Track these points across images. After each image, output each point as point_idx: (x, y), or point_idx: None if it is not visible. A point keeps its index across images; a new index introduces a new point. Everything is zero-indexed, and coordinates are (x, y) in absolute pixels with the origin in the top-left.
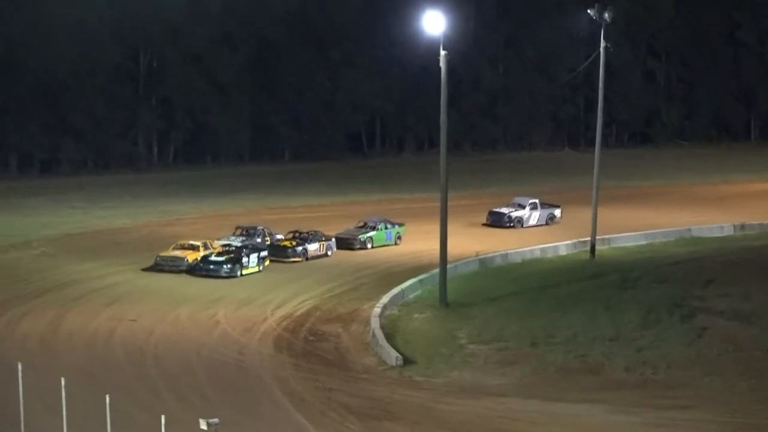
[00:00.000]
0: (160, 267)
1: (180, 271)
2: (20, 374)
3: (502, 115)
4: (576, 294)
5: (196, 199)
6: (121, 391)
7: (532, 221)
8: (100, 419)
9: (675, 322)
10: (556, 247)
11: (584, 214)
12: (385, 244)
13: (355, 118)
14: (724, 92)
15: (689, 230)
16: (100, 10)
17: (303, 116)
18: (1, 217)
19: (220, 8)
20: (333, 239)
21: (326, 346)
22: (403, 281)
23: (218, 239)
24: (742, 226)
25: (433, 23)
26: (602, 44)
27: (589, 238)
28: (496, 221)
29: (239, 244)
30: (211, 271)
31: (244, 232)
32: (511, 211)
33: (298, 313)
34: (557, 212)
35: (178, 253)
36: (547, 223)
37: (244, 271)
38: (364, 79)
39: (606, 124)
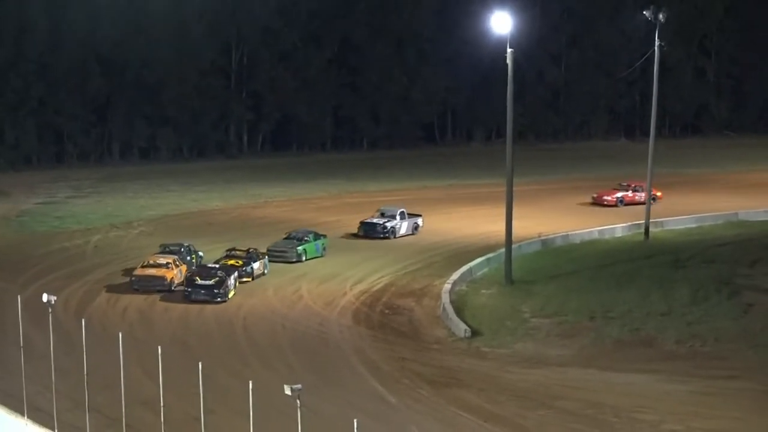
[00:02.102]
0: (136, 288)
1: (160, 291)
2: (121, 343)
3: (563, 108)
4: (631, 272)
5: (282, 184)
6: (213, 359)
7: (402, 231)
8: (194, 384)
9: (722, 298)
10: (613, 229)
11: None
12: (315, 255)
13: (428, 111)
14: None
15: (736, 214)
16: (197, 9)
17: (381, 109)
18: (105, 199)
19: (308, 10)
20: (265, 257)
21: (400, 319)
22: (472, 260)
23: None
24: None
25: (501, 23)
26: (657, 43)
27: (643, 221)
28: (369, 232)
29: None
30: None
31: (167, 250)
32: (384, 222)
33: (375, 288)
34: (420, 221)
35: (153, 271)
36: (413, 233)
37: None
38: (437, 75)
39: (659, 117)
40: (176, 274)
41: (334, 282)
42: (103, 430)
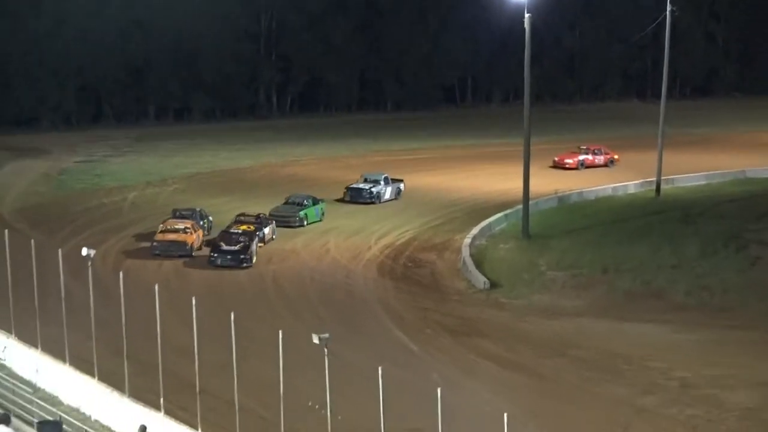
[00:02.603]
0: (157, 253)
1: (182, 256)
2: (157, 294)
3: (578, 71)
4: (642, 228)
5: (310, 144)
6: (245, 309)
7: (387, 195)
8: (226, 333)
9: (730, 252)
10: (625, 186)
11: (650, 157)
12: (315, 220)
13: (449, 74)
14: None
15: (744, 172)
16: None
17: (404, 72)
18: (141, 158)
19: None
20: (273, 222)
21: (423, 272)
22: (490, 216)
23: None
24: None
25: None
26: (668, 8)
27: (654, 179)
28: (356, 197)
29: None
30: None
31: (178, 214)
32: (370, 187)
33: (399, 242)
34: (402, 186)
35: (174, 236)
36: (396, 197)
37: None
38: (458, 39)
39: (670, 79)
40: (195, 239)
41: (360, 237)
42: (140, 376)
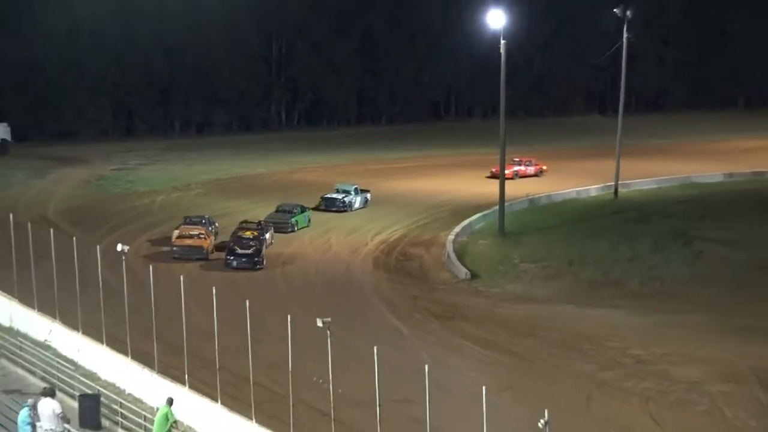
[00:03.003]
0: (176, 257)
1: (199, 260)
2: (182, 284)
3: (546, 89)
4: (602, 226)
5: (315, 153)
6: (258, 297)
7: (357, 204)
8: (242, 318)
9: (678, 247)
10: (587, 189)
11: (609, 165)
12: (304, 226)
13: (436, 92)
14: (717, 73)
15: (689, 177)
16: (243, 8)
17: (396, 90)
18: (168, 166)
19: (335, 6)
20: (272, 227)
21: (412, 264)
22: (471, 216)
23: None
24: (731, 174)
25: (496, 19)
26: (625, 35)
27: (613, 183)
28: (330, 205)
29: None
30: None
31: (189, 221)
32: (343, 197)
33: (392, 239)
34: (368, 195)
35: (191, 242)
36: (364, 206)
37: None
38: (443, 62)
39: (627, 96)
40: (210, 243)
41: (357, 234)
42: (168, 355)
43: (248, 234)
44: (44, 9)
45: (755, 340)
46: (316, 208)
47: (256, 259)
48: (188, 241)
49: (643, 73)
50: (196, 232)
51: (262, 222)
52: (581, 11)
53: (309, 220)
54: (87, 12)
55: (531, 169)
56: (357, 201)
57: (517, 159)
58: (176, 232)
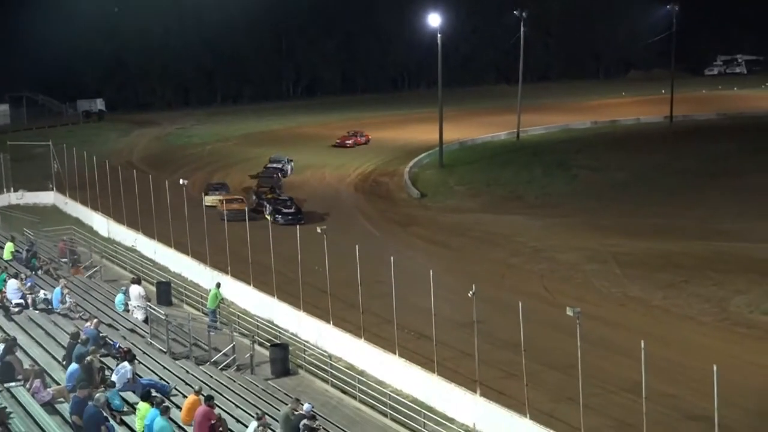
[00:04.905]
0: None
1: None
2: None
3: (470, 67)
4: (509, 159)
5: (312, 115)
6: None
7: (289, 172)
8: (265, 226)
9: (561, 172)
10: (499, 135)
11: (512, 118)
12: (291, 174)
13: (394, 71)
14: (584, 53)
15: (568, 125)
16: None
17: (368, 70)
18: (214, 126)
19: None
20: (291, 162)
21: (381, 189)
22: (420, 154)
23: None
24: (596, 122)
25: (434, 19)
26: (522, 29)
27: (515, 130)
28: (265, 174)
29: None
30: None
31: (212, 187)
32: (279, 167)
33: (367, 171)
34: (293, 164)
35: (237, 206)
36: (291, 173)
37: None
38: (399, 50)
39: (524, 70)
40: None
41: (343, 169)
42: (215, 254)
43: (269, 196)
44: (125, 18)
45: (612, 234)
46: (256, 176)
47: (299, 216)
48: (234, 206)
49: (535, 54)
50: (238, 197)
51: (277, 190)
52: (492, 12)
53: (292, 170)
54: (155, 20)
55: (362, 139)
56: (288, 169)
57: (352, 131)
58: (209, 198)
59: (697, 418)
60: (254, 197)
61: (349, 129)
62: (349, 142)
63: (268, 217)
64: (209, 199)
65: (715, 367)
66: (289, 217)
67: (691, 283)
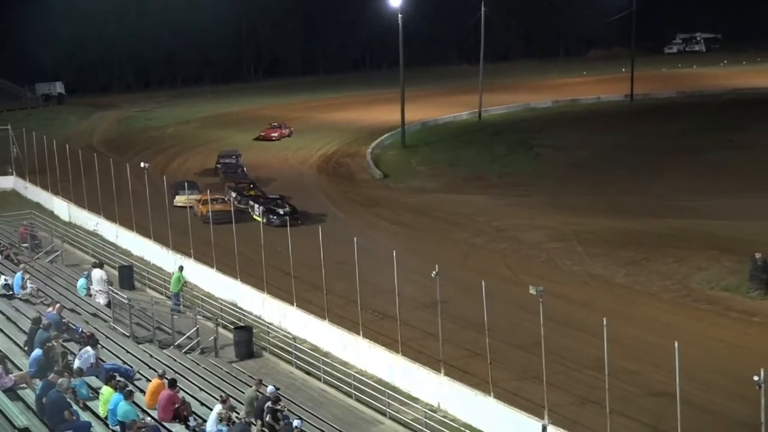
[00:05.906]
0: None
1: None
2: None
3: (431, 47)
4: (471, 139)
5: (274, 97)
6: None
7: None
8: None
9: (522, 151)
10: (460, 115)
11: (474, 98)
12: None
13: (356, 51)
14: (545, 33)
15: (529, 104)
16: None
17: (329, 51)
18: (174, 108)
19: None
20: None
21: (344, 170)
22: (382, 135)
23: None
24: (557, 101)
25: (395, 2)
26: (482, 9)
27: (477, 110)
28: (228, 170)
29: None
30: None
31: (183, 185)
32: (233, 161)
33: (329, 152)
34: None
35: (220, 207)
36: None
37: None
38: (362, 31)
39: (486, 50)
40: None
41: (305, 150)
42: (179, 236)
43: (252, 193)
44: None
45: (573, 213)
46: (217, 172)
47: (295, 215)
48: (217, 207)
49: (496, 35)
50: (219, 197)
51: (255, 188)
52: None
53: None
54: (115, 1)
55: (286, 131)
56: (240, 160)
57: (275, 124)
58: (181, 198)
59: (659, 394)
60: (234, 195)
61: (271, 121)
62: (275, 134)
63: (258, 219)
64: (181, 200)
65: (676, 343)
66: (286, 218)
67: (653, 260)
